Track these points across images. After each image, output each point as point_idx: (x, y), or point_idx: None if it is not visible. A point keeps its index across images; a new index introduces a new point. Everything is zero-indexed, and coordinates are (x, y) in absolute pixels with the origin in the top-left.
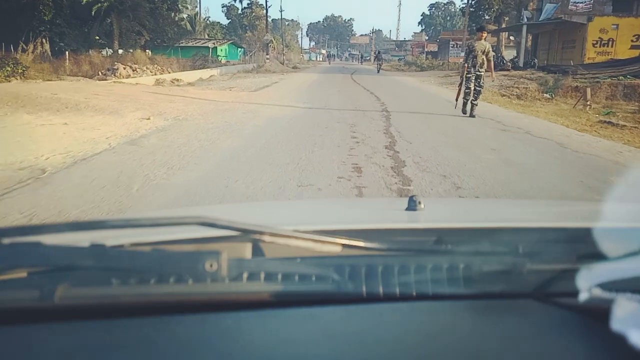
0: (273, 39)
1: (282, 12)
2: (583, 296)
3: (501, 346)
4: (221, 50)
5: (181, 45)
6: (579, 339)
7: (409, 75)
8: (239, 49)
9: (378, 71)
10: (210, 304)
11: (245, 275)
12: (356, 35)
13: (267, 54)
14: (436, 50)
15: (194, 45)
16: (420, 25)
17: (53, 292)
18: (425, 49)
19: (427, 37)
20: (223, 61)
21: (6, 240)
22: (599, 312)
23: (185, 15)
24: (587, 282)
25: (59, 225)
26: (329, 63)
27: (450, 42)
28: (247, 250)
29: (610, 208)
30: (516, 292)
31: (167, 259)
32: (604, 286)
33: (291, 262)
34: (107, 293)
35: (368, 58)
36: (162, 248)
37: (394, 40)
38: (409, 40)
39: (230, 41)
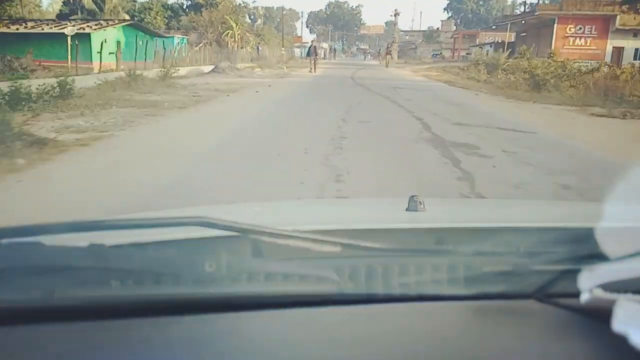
0: (234, 24)
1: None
2: (584, 297)
3: (502, 347)
4: (103, 41)
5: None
6: (581, 340)
7: None
8: (162, 40)
9: None
10: (210, 304)
11: (245, 276)
12: (366, 25)
13: None
14: (512, 40)
15: (36, 31)
16: (446, 12)
17: (52, 292)
18: (488, 40)
19: (454, 26)
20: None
21: (6, 241)
22: (600, 313)
23: None
24: (589, 283)
25: (58, 225)
26: (313, 69)
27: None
28: (247, 250)
29: (612, 208)
30: (517, 293)
31: (166, 259)
32: (606, 287)
33: (291, 262)
34: (106, 293)
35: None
36: (162, 248)
37: (422, 30)
38: (441, 31)
39: (128, 23)
